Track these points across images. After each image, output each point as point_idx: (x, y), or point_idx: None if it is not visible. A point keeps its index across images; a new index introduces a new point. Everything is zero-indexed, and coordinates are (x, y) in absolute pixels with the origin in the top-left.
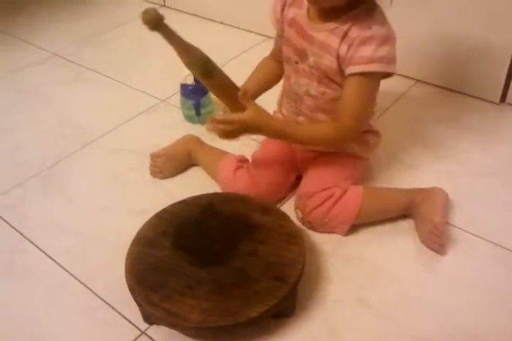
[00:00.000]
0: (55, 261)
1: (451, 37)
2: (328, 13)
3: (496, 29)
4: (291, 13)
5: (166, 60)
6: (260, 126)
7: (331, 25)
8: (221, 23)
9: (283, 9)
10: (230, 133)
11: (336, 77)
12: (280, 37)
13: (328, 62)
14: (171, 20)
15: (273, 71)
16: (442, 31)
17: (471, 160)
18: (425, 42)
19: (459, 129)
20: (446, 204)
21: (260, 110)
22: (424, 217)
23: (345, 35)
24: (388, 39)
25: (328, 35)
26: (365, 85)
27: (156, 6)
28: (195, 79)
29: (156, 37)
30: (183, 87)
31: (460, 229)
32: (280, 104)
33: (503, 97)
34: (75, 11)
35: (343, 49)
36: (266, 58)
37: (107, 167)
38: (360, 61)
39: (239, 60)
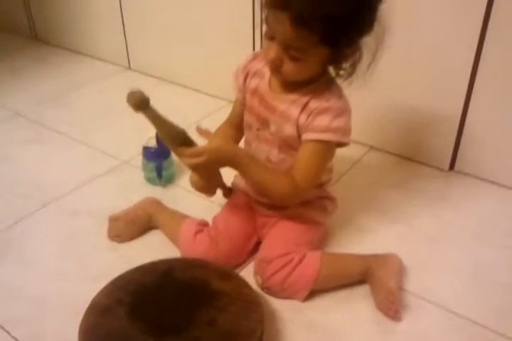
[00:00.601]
0: (4, 329)
1: (403, 107)
2: (289, 85)
3: (444, 100)
4: (253, 83)
5: (128, 121)
6: (231, 155)
7: (292, 96)
8: (185, 86)
9: (245, 79)
10: (199, 166)
11: (296, 144)
12: (242, 104)
13: (289, 130)
14: (136, 83)
15: (231, 138)
16: (395, 102)
17: (423, 226)
18: (379, 112)
19: (411, 195)
20: (400, 270)
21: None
22: (379, 283)
23: (305, 106)
24: (344, 112)
25: (289, 105)
26: (319, 152)
27: (120, 69)
28: (157, 142)
29: (119, 99)
30: (146, 149)
31: (413, 294)
32: None
33: (452, 165)
34: (37, 70)
35: (303, 118)
36: (223, 125)
37: (64, 229)
38: (316, 129)
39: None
